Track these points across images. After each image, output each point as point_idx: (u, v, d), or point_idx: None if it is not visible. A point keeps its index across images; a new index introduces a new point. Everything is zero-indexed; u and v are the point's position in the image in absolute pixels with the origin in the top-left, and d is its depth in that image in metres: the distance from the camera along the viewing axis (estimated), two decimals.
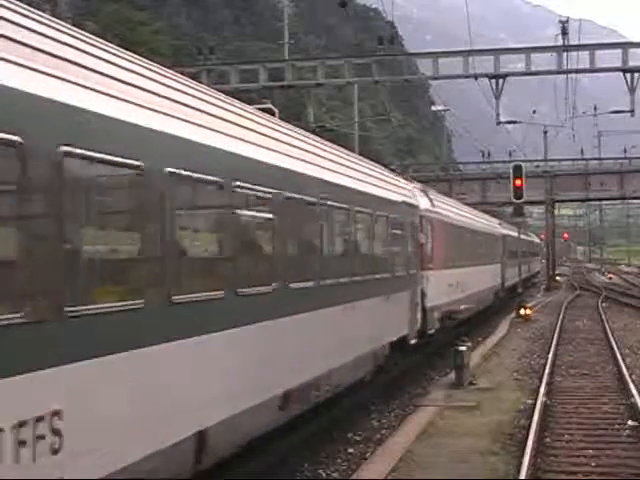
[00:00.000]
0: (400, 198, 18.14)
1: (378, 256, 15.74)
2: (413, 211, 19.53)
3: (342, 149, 15.73)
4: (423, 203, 21.49)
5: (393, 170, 22.32)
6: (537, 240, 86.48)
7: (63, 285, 5.88)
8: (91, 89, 6.48)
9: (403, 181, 20.57)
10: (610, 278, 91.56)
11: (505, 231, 45.07)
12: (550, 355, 21.39)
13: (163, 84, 8.15)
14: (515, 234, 47.15)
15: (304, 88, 45.14)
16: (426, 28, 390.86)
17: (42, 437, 5.51)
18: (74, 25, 7.06)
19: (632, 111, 41.09)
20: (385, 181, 17.47)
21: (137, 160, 6.88)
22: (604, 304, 43.70)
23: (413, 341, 18.54)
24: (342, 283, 12.98)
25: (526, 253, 53.41)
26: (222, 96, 10.17)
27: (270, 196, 10.12)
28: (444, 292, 23.19)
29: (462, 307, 26.81)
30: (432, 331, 21.05)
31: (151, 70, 8.11)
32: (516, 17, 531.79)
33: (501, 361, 21.41)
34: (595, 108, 66.81)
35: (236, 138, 9.40)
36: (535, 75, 44.30)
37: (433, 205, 23.07)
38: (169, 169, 7.42)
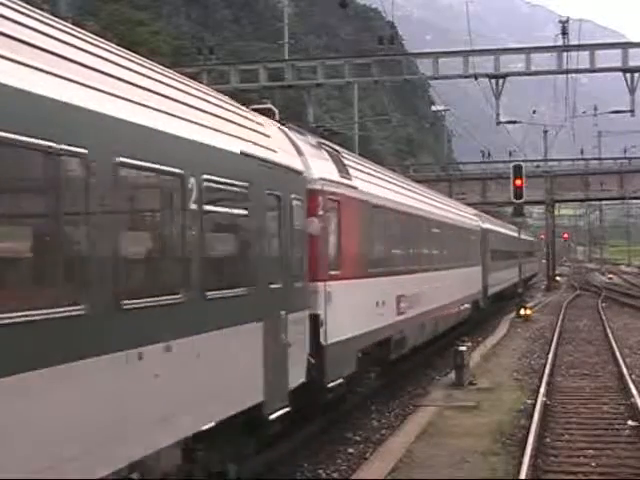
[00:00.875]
0: (239, 148, 9.49)
1: (137, 261, 7.52)
2: (287, 178, 11.06)
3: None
4: (320, 168, 12.93)
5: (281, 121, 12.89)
6: (532, 239, 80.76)
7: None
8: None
9: (269, 124, 11.68)
10: (610, 278, 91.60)
11: (487, 225, 36.52)
12: (550, 355, 21.37)
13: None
14: (503, 230, 42.54)
15: (304, 88, 45.21)
16: (426, 28, 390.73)
17: None
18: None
19: (632, 111, 41.19)
20: (192, 106, 8.67)
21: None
22: (604, 304, 43.71)
23: (277, 413, 10.20)
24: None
25: (519, 253, 46.53)
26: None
27: None
28: (365, 314, 14.77)
29: (405, 333, 17.92)
30: (339, 381, 12.95)
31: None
32: (516, 17, 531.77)
33: (501, 361, 21.39)
34: (595, 108, 66.88)
35: None
36: (535, 75, 44.43)
37: (345, 174, 14.34)
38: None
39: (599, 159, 71.14)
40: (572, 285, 70.94)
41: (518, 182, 30.98)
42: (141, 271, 7.64)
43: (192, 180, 8.01)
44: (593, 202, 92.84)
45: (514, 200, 31.84)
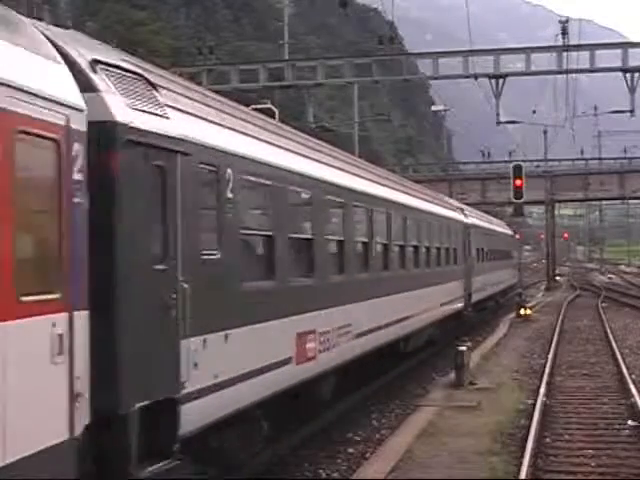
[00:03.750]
0: None
1: None
2: None
3: None
4: None
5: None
6: (507, 231, 49.99)
7: None
8: None
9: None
10: (610, 278, 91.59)
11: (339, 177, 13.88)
12: (550, 355, 21.38)
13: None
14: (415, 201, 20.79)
15: (304, 88, 45.19)
16: (426, 28, 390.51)
17: None
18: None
19: (632, 111, 41.14)
20: None
21: None
22: (604, 304, 43.67)
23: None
24: None
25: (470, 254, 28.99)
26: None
27: None
28: None
29: None
30: None
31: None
32: (516, 17, 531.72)
33: (501, 361, 21.40)
34: (595, 108, 66.85)
35: None
36: (535, 75, 44.44)
37: None
38: None
39: (599, 159, 71.06)
40: (572, 285, 70.90)
41: (518, 182, 31.00)
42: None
43: None
44: (593, 202, 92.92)
45: (514, 200, 31.86)
